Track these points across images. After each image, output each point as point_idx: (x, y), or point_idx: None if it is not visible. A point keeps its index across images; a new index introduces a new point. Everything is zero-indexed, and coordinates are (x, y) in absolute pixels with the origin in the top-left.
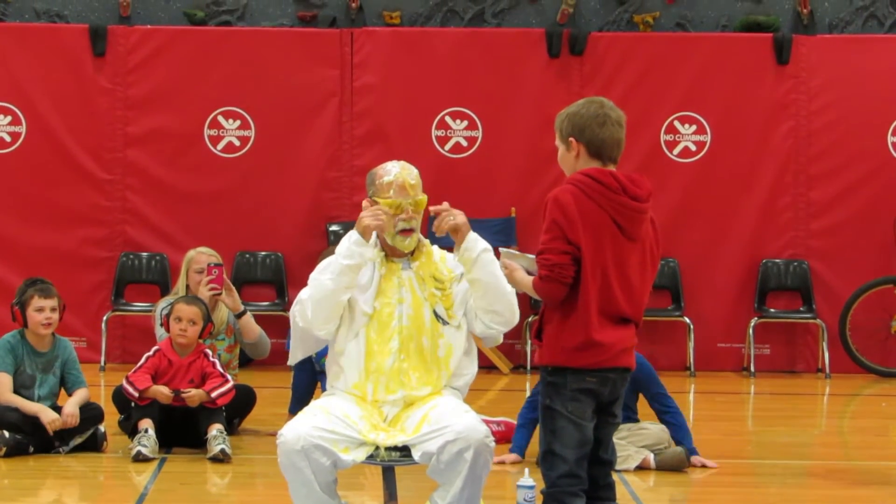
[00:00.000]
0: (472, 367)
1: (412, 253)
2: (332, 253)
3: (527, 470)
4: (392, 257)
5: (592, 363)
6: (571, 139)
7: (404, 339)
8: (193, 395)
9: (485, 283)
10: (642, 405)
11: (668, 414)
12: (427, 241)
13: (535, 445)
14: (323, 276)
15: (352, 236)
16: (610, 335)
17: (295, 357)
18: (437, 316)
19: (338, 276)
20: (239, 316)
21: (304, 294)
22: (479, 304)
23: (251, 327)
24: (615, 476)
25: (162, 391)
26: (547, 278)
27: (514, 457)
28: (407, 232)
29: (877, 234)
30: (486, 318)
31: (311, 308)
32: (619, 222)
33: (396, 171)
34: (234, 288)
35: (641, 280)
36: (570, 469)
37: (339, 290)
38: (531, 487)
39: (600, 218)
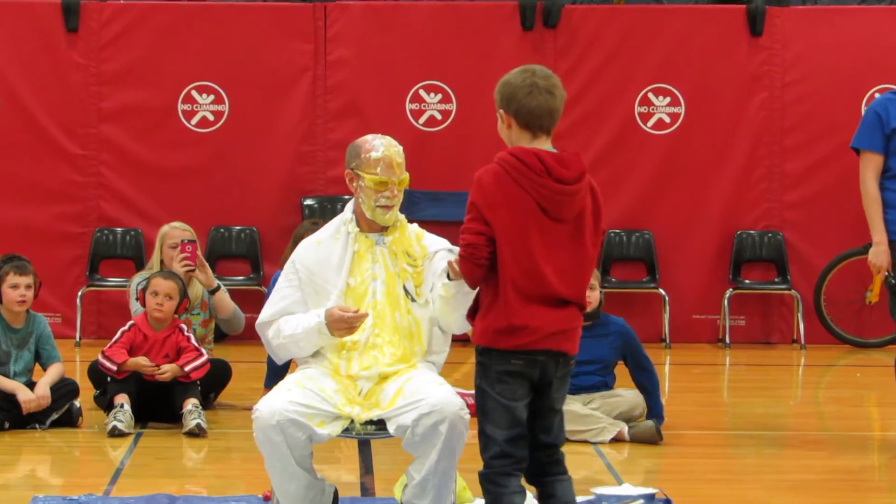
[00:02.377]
0: (446, 346)
1: (386, 228)
2: (306, 231)
3: None
4: (366, 231)
5: (515, 345)
6: (502, 110)
7: (378, 314)
8: (167, 370)
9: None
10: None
11: (646, 376)
12: (402, 217)
13: None
14: (286, 342)
15: (322, 329)
16: (538, 318)
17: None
18: (406, 292)
19: (300, 350)
20: (213, 292)
21: (271, 336)
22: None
23: (225, 303)
24: (590, 448)
25: (141, 363)
26: (462, 258)
27: None
28: (388, 207)
29: (851, 205)
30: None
31: (280, 356)
32: (542, 205)
33: (384, 148)
34: (207, 264)
35: (577, 259)
36: (502, 449)
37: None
38: None
39: (522, 199)
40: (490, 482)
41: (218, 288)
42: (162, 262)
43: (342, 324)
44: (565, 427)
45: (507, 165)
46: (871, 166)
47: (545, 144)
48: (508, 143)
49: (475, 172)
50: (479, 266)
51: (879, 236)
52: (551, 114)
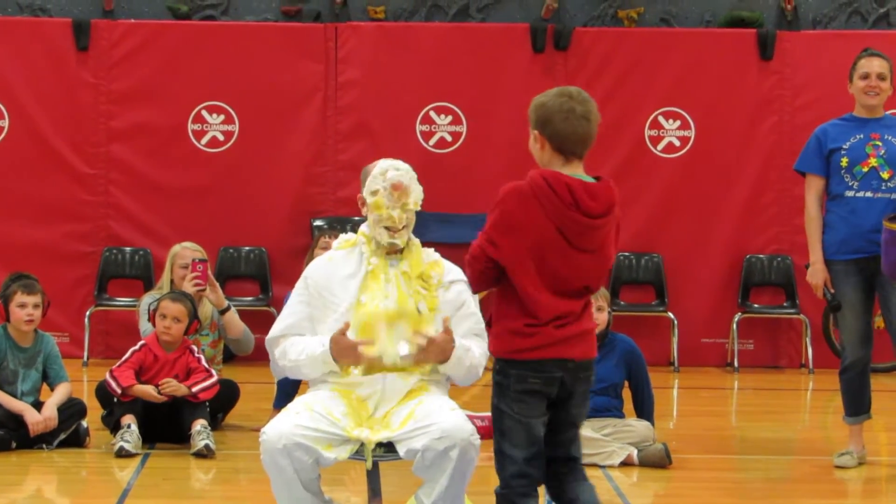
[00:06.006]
0: None
1: (401, 251)
2: (318, 249)
3: None
4: (380, 253)
5: (528, 346)
6: (536, 132)
7: (388, 334)
8: (174, 385)
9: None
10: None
11: (641, 396)
12: (417, 241)
13: None
14: (291, 366)
15: (326, 358)
16: (546, 334)
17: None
18: (419, 312)
19: (305, 376)
20: (223, 312)
21: (277, 356)
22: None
23: (235, 324)
24: (599, 472)
25: (147, 391)
26: (466, 262)
27: None
28: (393, 230)
29: None
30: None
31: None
32: (565, 234)
33: (387, 173)
34: (217, 284)
35: (591, 281)
36: (521, 469)
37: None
38: None
39: (543, 225)
40: (508, 502)
41: (228, 308)
42: (172, 281)
43: (348, 354)
44: None
45: (536, 188)
46: (812, 188)
47: (577, 169)
48: (539, 162)
49: (503, 186)
50: (477, 277)
51: (815, 256)
52: (586, 140)
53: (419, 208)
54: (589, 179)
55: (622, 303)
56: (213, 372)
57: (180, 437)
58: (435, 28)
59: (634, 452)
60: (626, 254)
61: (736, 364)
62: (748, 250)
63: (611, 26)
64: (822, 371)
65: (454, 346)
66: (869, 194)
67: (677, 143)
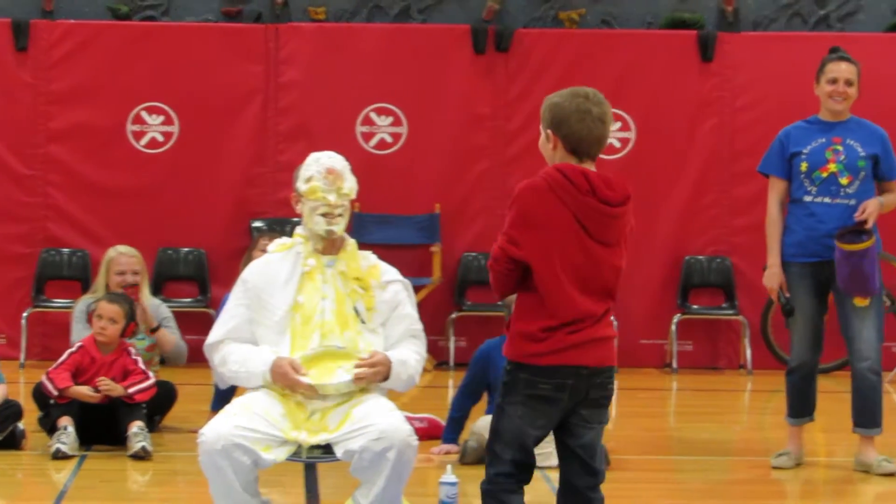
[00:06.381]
0: None
1: (337, 250)
2: (256, 251)
3: (449, 467)
4: (316, 253)
5: (543, 352)
6: (549, 131)
7: (326, 333)
8: (108, 385)
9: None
10: None
11: None
12: (353, 242)
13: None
14: (230, 375)
15: (265, 376)
16: (564, 336)
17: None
18: (356, 312)
19: (243, 385)
20: (153, 331)
21: (217, 363)
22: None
23: (166, 340)
24: (537, 472)
25: (83, 392)
26: (489, 267)
27: (452, 447)
28: (331, 217)
29: None
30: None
31: (224, 381)
32: (584, 224)
33: (321, 160)
34: (147, 307)
35: (610, 278)
36: (508, 469)
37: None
38: (454, 484)
39: (563, 216)
40: (493, 498)
41: (158, 327)
42: (107, 285)
43: (286, 381)
44: None
45: (552, 181)
46: (774, 191)
47: (590, 168)
48: (550, 161)
49: (518, 185)
50: (500, 280)
51: (773, 259)
52: (601, 141)
53: (354, 196)
54: None
55: None
56: (150, 374)
57: (117, 439)
58: (376, 29)
59: None
60: None
61: (675, 365)
62: (687, 251)
63: (552, 27)
64: (760, 372)
65: (391, 365)
66: (827, 200)
67: (618, 144)
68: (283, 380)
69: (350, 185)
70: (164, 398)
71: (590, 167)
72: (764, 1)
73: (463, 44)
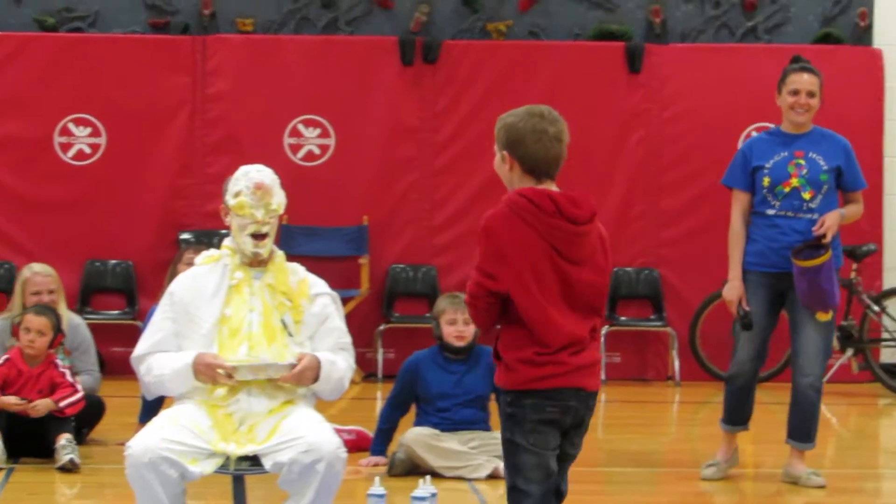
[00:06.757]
0: None
1: (265, 262)
2: (181, 264)
3: (377, 479)
4: (244, 265)
5: (543, 375)
6: (505, 152)
7: (253, 345)
8: (40, 406)
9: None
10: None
11: None
12: (282, 253)
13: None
14: (156, 380)
15: (188, 371)
16: (557, 363)
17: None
18: (284, 324)
19: (169, 390)
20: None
21: (143, 373)
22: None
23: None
24: (466, 485)
25: (9, 402)
26: (467, 304)
27: (380, 459)
28: (259, 237)
29: (726, 243)
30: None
31: (151, 392)
32: (556, 246)
33: (249, 175)
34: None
35: (591, 298)
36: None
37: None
38: (381, 496)
39: (534, 242)
40: None
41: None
42: (24, 305)
43: (208, 371)
44: (440, 464)
45: (516, 206)
46: (738, 203)
47: (550, 188)
48: (508, 183)
49: (483, 215)
50: (481, 315)
51: (734, 272)
52: (557, 161)
53: (282, 212)
54: None
55: None
56: (78, 387)
57: (45, 452)
58: (303, 41)
59: (501, 465)
60: None
61: (603, 376)
62: (616, 263)
63: (479, 39)
64: (688, 384)
65: (319, 365)
66: (790, 214)
67: None
68: (207, 370)
69: (279, 200)
70: (92, 411)
71: (550, 187)
72: (692, 12)
73: (391, 55)
